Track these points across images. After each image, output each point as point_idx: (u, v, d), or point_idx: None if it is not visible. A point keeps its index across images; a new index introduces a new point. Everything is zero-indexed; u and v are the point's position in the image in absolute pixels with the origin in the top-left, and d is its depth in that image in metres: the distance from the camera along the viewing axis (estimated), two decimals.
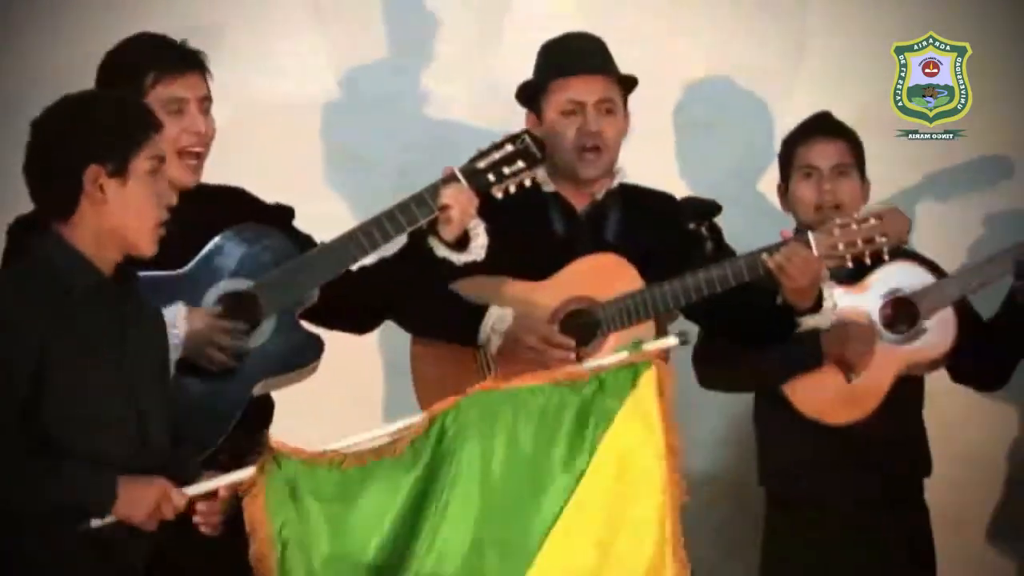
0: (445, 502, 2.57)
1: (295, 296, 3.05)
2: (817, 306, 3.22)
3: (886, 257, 3.26)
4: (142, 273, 2.77)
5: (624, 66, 3.50)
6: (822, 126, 3.56)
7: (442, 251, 3.12)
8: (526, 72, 3.53)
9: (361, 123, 4.22)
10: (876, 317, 3.44)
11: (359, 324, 3.29)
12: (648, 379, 2.62)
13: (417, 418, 2.61)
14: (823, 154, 3.49)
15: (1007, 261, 3.45)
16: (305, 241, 3.17)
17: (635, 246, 3.30)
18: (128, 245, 2.62)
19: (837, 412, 3.41)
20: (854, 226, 3.19)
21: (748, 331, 3.32)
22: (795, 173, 3.50)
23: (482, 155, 3.14)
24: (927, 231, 4.12)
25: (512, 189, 3.16)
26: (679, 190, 3.82)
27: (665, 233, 3.38)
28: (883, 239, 3.19)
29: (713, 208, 3.48)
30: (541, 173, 3.21)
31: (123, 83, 3.01)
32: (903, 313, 3.46)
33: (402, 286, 3.18)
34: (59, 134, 2.58)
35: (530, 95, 3.38)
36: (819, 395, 3.43)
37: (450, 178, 3.10)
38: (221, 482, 2.62)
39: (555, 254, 3.26)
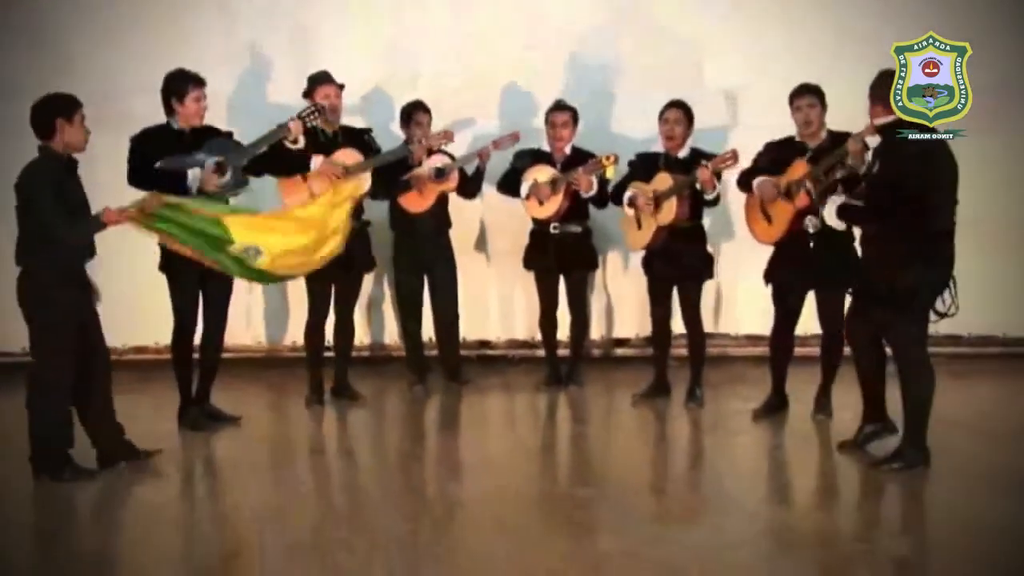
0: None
1: (239, 161, 7.22)
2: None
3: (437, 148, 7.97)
4: (184, 156, 7.28)
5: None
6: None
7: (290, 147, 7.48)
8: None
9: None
10: (431, 172, 7.85)
11: (258, 173, 7.58)
12: None
13: None
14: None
15: (510, 139, 7.94)
16: (238, 143, 7.31)
17: (350, 143, 7.57)
18: (72, 149, 6.03)
19: (417, 206, 7.89)
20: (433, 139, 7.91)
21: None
22: None
23: (306, 109, 7.48)
24: None
25: (317, 123, 7.46)
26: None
27: (357, 135, 7.73)
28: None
29: (368, 129, 7.77)
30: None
31: (178, 87, 7.37)
32: (440, 170, 7.89)
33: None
34: (43, 104, 6.05)
35: (309, 91, 7.68)
36: (412, 201, 7.89)
37: (294, 117, 7.39)
38: (134, 206, 6.28)
39: (326, 151, 7.73)
